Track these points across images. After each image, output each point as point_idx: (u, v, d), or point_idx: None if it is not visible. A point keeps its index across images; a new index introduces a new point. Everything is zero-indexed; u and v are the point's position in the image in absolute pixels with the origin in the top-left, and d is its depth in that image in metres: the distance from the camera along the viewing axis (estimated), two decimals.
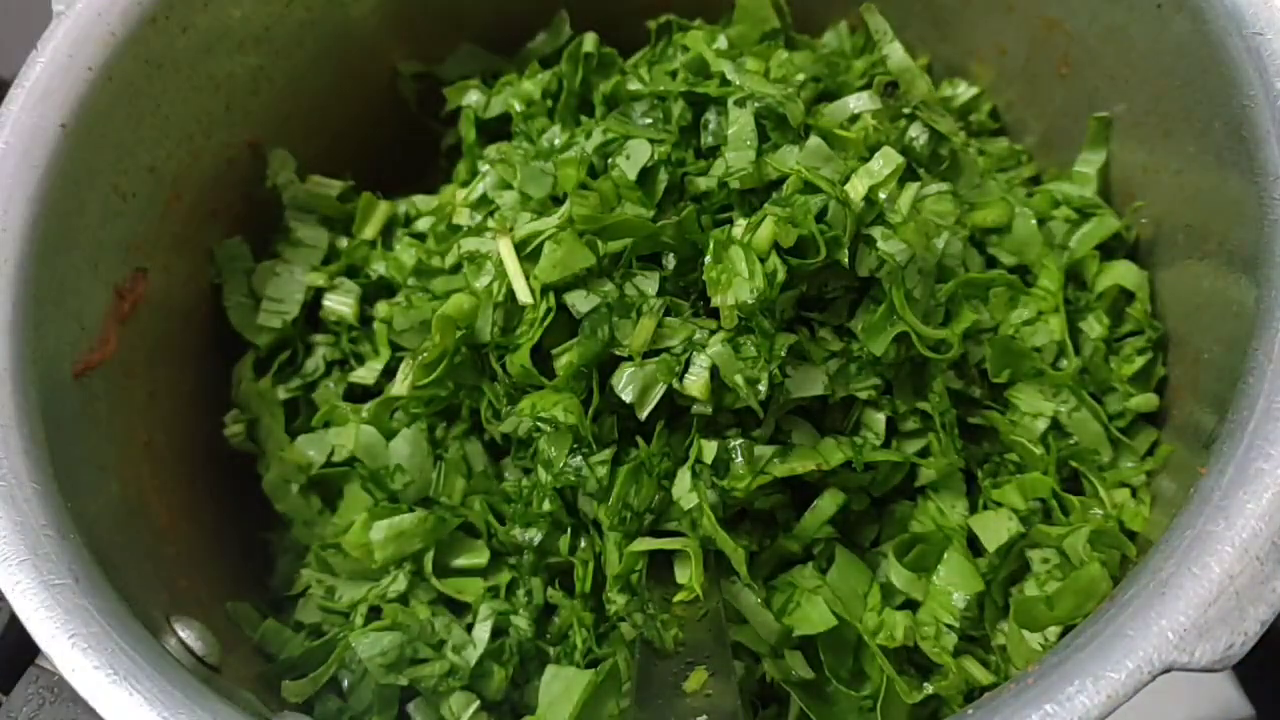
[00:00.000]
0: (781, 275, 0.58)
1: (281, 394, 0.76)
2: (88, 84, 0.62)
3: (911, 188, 0.65)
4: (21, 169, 0.59)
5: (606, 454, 0.60)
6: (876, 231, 0.62)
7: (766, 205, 0.61)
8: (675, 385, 0.59)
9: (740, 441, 0.61)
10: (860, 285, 0.64)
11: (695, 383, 0.59)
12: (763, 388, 0.58)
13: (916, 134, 0.70)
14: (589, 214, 0.61)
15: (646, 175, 0.65)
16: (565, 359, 0.60)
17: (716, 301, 0.59)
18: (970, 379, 0.67)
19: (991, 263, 0.71)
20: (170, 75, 0.68)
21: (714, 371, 0.59)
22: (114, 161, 0.65)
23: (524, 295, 0.61)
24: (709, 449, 0.60)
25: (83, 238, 0.63)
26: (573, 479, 0.61)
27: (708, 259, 0.60)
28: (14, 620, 0.50)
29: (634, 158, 0.65)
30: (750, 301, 0.58)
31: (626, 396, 0.59)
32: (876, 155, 0.63)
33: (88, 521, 0.56)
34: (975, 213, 0.71)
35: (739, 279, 0.58)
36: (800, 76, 0.74)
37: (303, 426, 0.75)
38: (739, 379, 0.58)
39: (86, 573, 0.52)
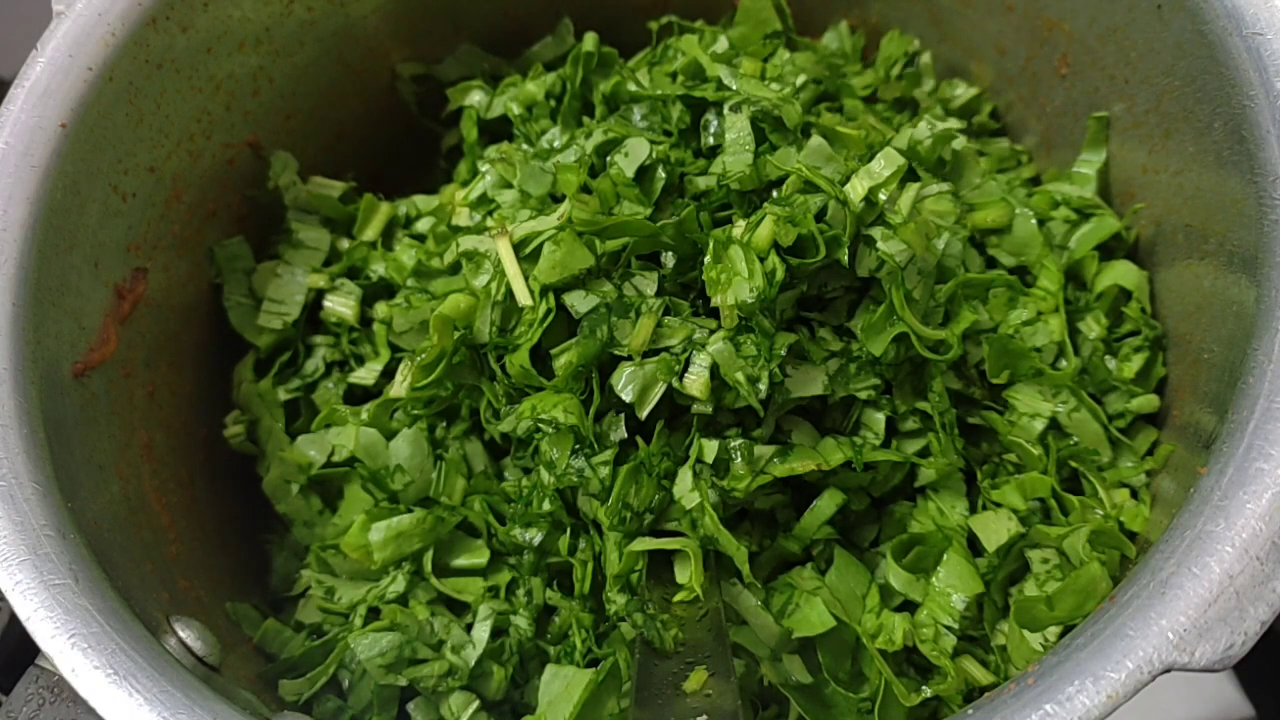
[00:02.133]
0: (781, 274, 0.58)
1: (282, 395, 0.76)
2: (88, 84, 0.62)
3: (912, 188, 0.65)
4: (21, 169, 0.59)
5: (608, 454, 0.60)
6: (876, 232, 0.62)
7: (766, 204, 0.61)
8: (675, 384, 0.59)
9: (740, 441, 0.61)
10: (860, 285, 0.64)
11: (695, 382, 0.59)
12: (763, 386, 0.58)
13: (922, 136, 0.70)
14: (588, 218, 0.61)
15: (644, 173, 0.65)
16: (564, 359, 0.60)
17: (716, 301, 0.59)
18: (970, 379, 0.67)
19: (991, 263, 0.71)
20: (170, 75, 0.68)
21: (714, 370, 0.59)
22: (114, 161, 0.65)
23: (524, 297, 0.61)
24: (709, 448, 0.60)
25: (83, 238, 0.63)
26: (575, 480, 0.61)
27: (707, 259, 0.60)
28: (14, 620, 0.50)
29: (632, 155, 0.65)
30: (750, 301, 0.58)
31: (626, 396, 0.59)
32: (878, 156, 0.63)
33: (88, 521, 0.56)
34: (975, 213, 0.71)
35: (739, 278, 0.58)
36: (801, 78, 0.74)
37: (303, 428, 0.75)
38: (739, 376, 0.58)
39: (86, 573, 0.52)
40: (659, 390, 0.59)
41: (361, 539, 0.66)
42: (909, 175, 0.67)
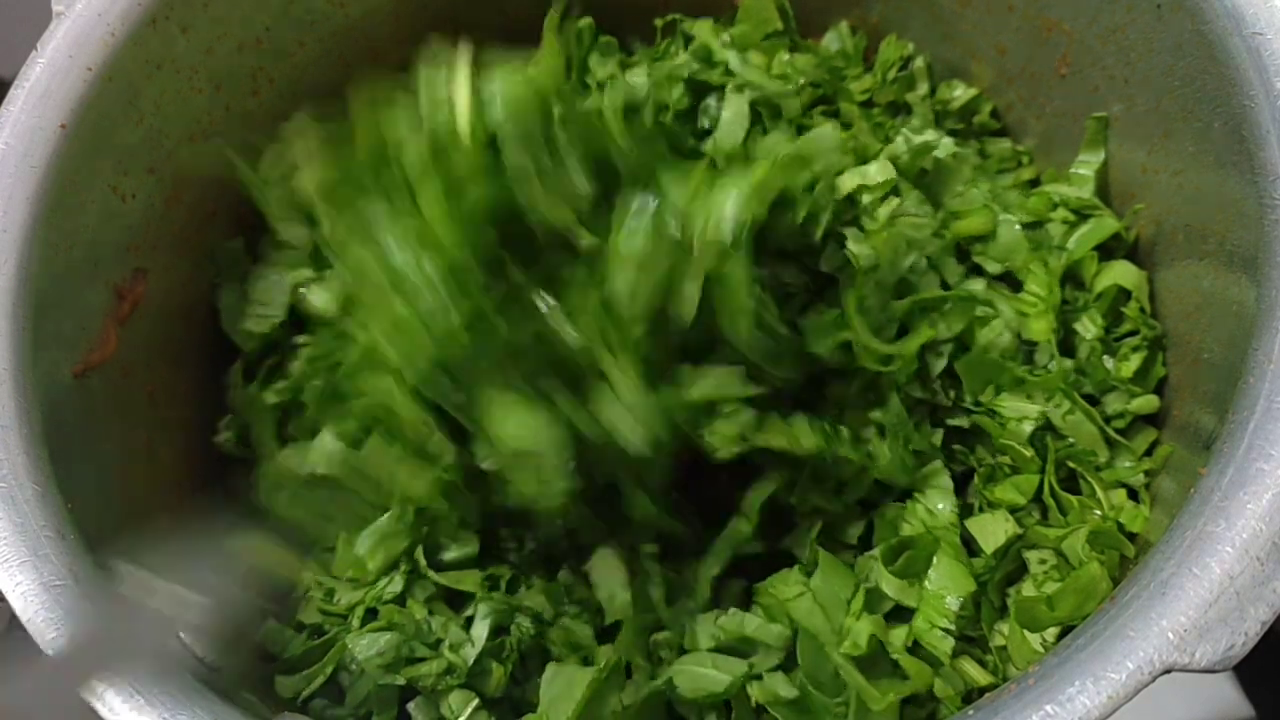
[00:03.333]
0: (762, 214, 0.55)
1: (270, 398, 0.75)
2: (88, 84, 0.62)
3: (894, 202, 0.65)
4: (21, 169, 0.59)
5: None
6: (850, 231, 0.61)
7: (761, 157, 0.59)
8: None
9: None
10: (817, 289, 0.64)
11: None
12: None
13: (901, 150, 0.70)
14: None
15: (633, 114, 0.63)
16: None
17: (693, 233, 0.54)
18: (934, 389, 0.66)
19: (977, 271, 0.71)
20: (170, 75, 0.68)
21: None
22: (114, 162, 0.65)
23: None
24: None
25: (83, 238, 0.63)
26: None
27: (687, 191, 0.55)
28: (14, 620, 0.50)
29: (621, 90, 0.63)
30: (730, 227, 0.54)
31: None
32: (873, 161, 0.63)
33: (88, 522, 0.56)
34: (958, 222, 0.71)
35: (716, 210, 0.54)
36: (800, 79, 0.73)
37: (295, 430, 0.75)
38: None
39: (87, 573, 0.52)
40: None
41: (350, 555, 0.66)
42: (894, 190, 0.67)
